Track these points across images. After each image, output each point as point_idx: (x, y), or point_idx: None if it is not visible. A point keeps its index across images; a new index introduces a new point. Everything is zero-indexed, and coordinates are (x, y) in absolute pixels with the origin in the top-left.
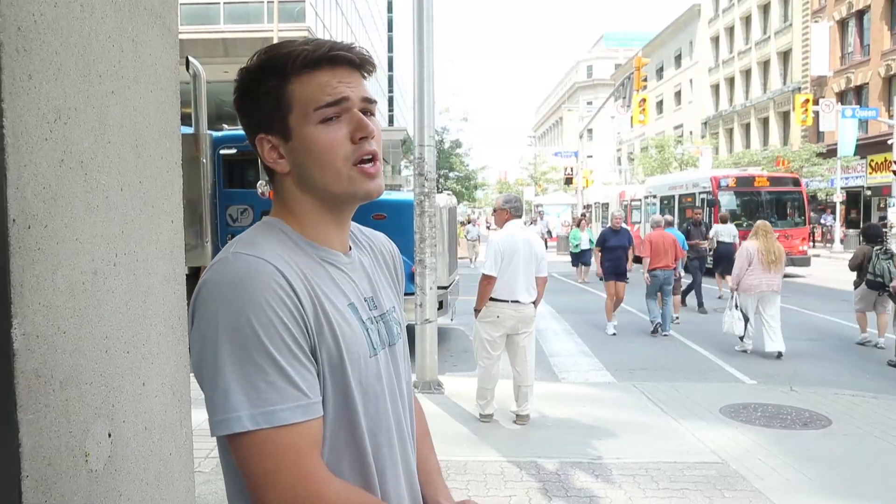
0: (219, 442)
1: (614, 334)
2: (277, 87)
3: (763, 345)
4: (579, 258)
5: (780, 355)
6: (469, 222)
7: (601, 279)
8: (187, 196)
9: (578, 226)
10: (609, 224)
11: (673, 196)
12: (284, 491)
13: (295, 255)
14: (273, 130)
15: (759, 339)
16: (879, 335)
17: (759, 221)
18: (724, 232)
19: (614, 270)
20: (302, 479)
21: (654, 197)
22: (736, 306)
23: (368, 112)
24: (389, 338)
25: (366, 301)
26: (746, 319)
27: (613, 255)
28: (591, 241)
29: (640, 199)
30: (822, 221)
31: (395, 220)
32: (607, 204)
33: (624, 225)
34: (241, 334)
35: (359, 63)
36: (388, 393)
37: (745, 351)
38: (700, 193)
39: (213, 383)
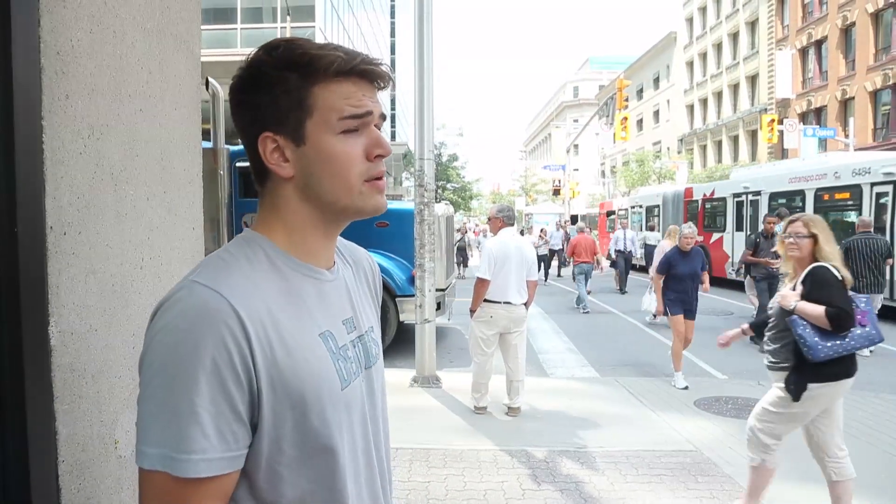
0: None
1: (686, 388)
2: (300, 88)
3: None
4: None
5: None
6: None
7: (657, 316)
8: (206, 205)
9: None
10: (676, 241)
11: (657, 206)
12: None
13: (267, 280)
14: (284, 131)
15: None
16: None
17: (671, 226)
18: (651, 237)
19: (682, 304)
20: None
21: (640, 207)
22: (652, 291)
23: (379, 128)
24: (366, 360)
25: (344, 324)
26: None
27: (682, 285)
28: None
29: (625, 209)
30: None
31: (397, 228)
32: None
33: (698, 239)
34: (175, 373)
35: (383, 79)
36: (358, 423)
37: (657, 323)
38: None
39: (140, 409)
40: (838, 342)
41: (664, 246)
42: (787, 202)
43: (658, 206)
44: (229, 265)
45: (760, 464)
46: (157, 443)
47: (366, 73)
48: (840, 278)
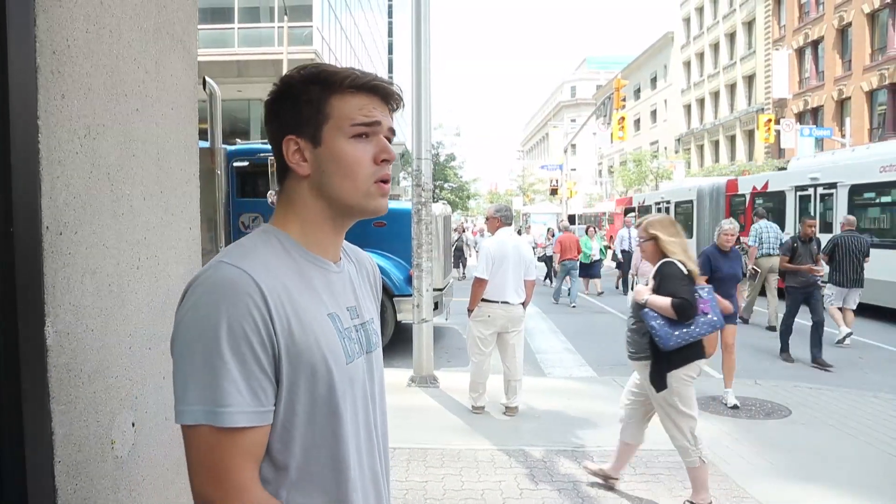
0: None
1: (735, 406)
2: (320, 97)
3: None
4: (589, 269)
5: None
6: (464, 231)
7: None
8: (203, 205)
9: (587, 233)
10: (714, 239)
11: (689, 202)
12: (204, 484)
13: (283, 265)
14: (304, 134)
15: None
16: (843, 326)
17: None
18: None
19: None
20: (219, 481)
21: (667, 203)
22: (632, 288)
23: (389, 140)
24: (368, 345)
25: (348, 310)
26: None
27: (724, 288)
28: (601, 250)
29: (648, 206)
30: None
31: (394, 228)
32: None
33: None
34: (209, 337)
35: (393, 98)
36: (360, 398)
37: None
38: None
39: (178, 374)
40: (685, 330)
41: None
42: (875, 196)
43: (691, 201)
44: (250, 250)
45: (698, 464)
46: (199, 400)
47: (375, 88)
48: (686, 272)
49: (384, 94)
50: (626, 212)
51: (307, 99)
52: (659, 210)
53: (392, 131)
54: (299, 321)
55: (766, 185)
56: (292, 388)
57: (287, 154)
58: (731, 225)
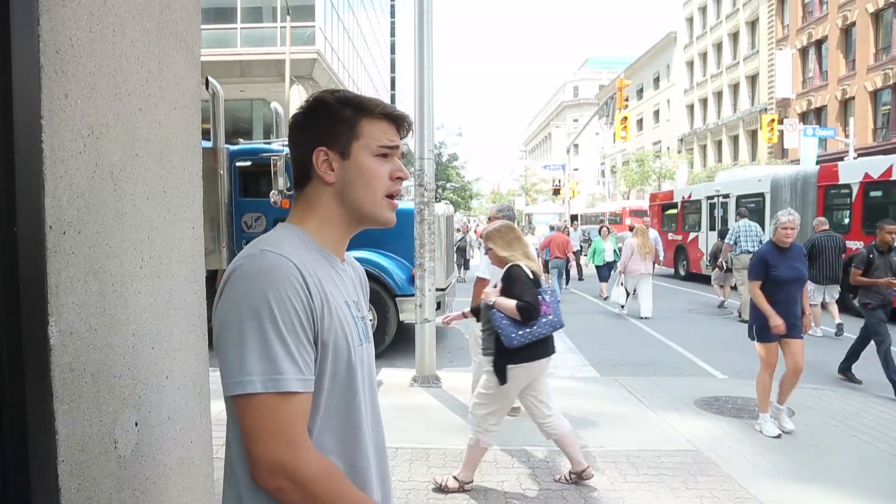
0: (229, 404)
1: (779, 436)
2: (353, 118)
3: (638, 311)
4: (602, 272)
5: (647, 318)
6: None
7: (754, 339)
8: (206, 205)
9: (600, 234)
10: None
11: (760, 195)
12: (272, 447)
13: (309, 256)
14: (334, 147)
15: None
16: (818, 325)
17: (638, 225)
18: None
19: (785, 318)
20: (288, 442)
21: (725, 197)
22: (621, 284)
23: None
24: (367, 338)
25: (354, 303)
26: (628, 294)
27: (785, 292)
28: (615, 251)
29: (698, 200)
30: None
31: (397, 227)
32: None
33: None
34: (262, 314)
35: (408, 128)
36: (367, 377)
37: (624, 314)
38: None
39: (232, 351)
40: (528, 330)
41: (632, 245)
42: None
43: (762, 194)
44: (282, 241)
45: (476, 442)
46: (258, 371)
47: (398, 118)
48: (531, 274)
49: (404, 123)
50: (665, 208)
51: (341, 118)
52: (713, 206)
53: (403, 154)
54: (328, 303)
55: (889, 171)
56: (321, 363)
57: (316, 163)
58: (790, 217)
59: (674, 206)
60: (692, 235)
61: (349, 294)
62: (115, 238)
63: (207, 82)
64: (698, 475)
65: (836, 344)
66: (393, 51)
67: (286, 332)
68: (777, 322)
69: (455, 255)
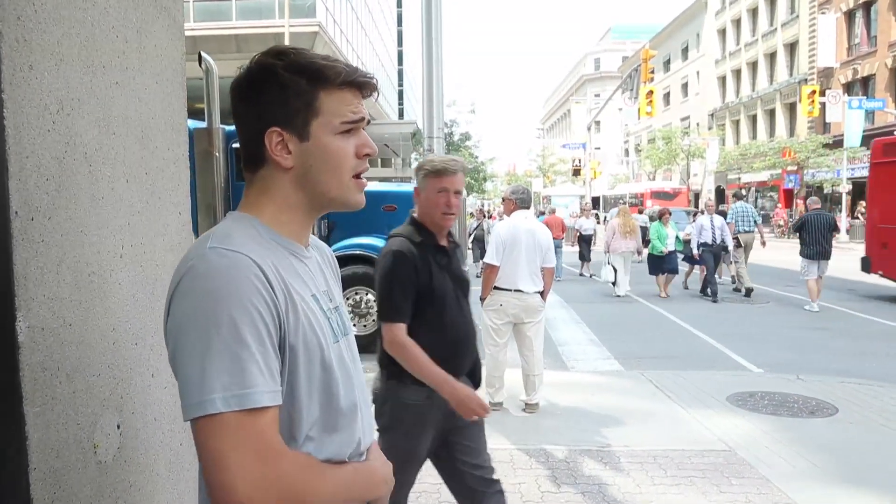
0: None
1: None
2: (310, 92)
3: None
4: (661, 263)
5: (624, 295)
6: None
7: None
8: (201, 190)
9: (661, 219)
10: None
11: None
12: (251, 465)
13: (267, 249)
14: (291, 128)
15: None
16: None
17: (621, 206)
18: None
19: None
20: (263, 455)
21: None
22: (608, 262)
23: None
24: (343, 328)
25: (324, 293)
26: (616, 271)
27: None
28: (678, 239)
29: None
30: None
31: (405, 212)
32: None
33: None
34: (220, 322)
35: (373, 91)
36: (343, 378)
37: (618, 296)
38: None
39: (190, 367)
40: None
41: (614, 225)
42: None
43: None
44: (234, 235)
45: None
46: (222, 387)
47: (363, 85)
48: None
49: (369, 89)
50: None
51: (295, 92)
52: None
53: (368, 122)
54: (293, 301)
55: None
56: (293, 368)
57: (270, 146)
58: None
59: None
60: None
61: (317, 285)
62: (90, 224)
63: (200, 58)
64: (732, 477)
65: (885, 342)
66: (400, 22)
67: (251, 340)
68: None
69: (472, 244)
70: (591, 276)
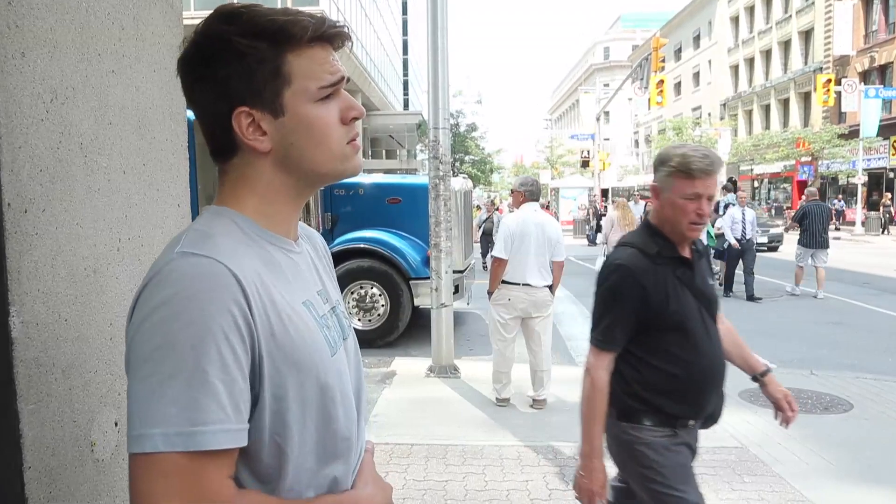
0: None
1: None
2: (275, 57)
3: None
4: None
5: None
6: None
7: None
8: (203, 182)
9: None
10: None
11: None
12: None
13: (249, 249)
14: (260, 104)
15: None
16: (819, 288)
17: (619, 199)
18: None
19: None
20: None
21: None
22: (604, 254)
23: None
24: (342, 332)
25: (319, 294)
26: None
27: None
28: (709, 234)
29: None
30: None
31: (410, 204)
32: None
33: None
34: (176, 344)
35: (346, 41)
36: (347, 394)
37: None
38: None
39: (137, 393)
40: None
41: (612, 217)
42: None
43: None
44: (211, 235)
45: None
46: (165, 421)
47: (334, 36)
48: None
49: (341, 40)
50: None
51: (259, 59)
52: None
53: (348, 80)
54: (278, 314)
55: None
56: (280, 394)
57: (241, 130)
58: None
59: None
60: None
61: (311, 285)
62: (86, 217)
63: None
64: (745, 475)
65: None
66: (405, 11)
67: (214, 365)
68: None
69: (481, 238)
70: None
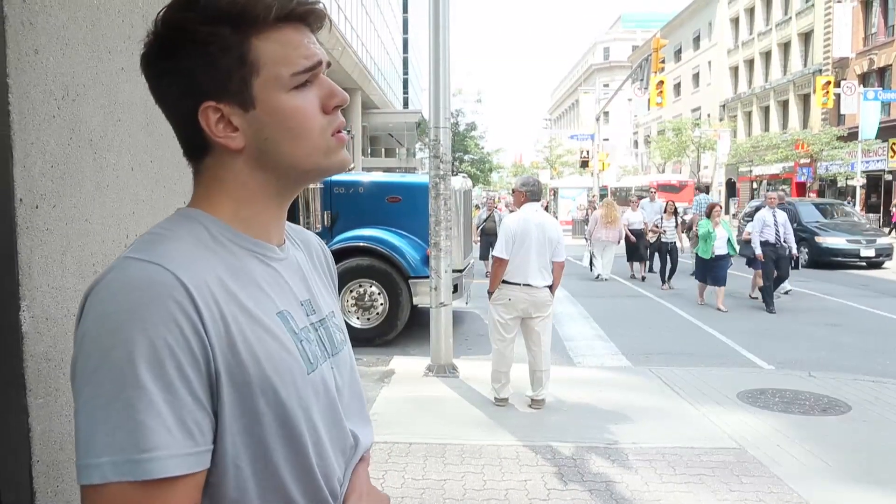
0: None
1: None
2: (239, 42)
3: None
4: (710, 269)
5: (598, 277)
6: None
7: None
8: None
9: (709, 215)
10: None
11: None
12: None
13: (213, 255)
14: (228, 97)
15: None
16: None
17: (606, 198)
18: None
19: None
20: None
21: None
22: (589, 250)
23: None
24: (332, 347)
25: (302, 305)
26: (593, 256)
27: None
28: (730, 242)
29: None
30: None
31: (410, 203)
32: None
33: None
34: (113, 362)
35: (323, 20)
36: (328, 415)
37: (598, 277)
38: None
39: (79, 418)
40: None
41: (596, 216)
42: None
43: None
44: (167, 238)
45: None
46: (109, 450)
47: (307, 14)
48: None
49: (316, 18)
50: None
51: (222, 47)
52: None
53: (328, 65)
54: (240, 325)
55: None
56: (240, 414)
57: (209, 127)
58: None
59: None
60: None
61: (291, 295)
62: (95, 213)
63: None
64: (742, 476)
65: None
66: (405, 9)
67: (157, 385)
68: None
69: (481, 237)
70: (642, 279)
